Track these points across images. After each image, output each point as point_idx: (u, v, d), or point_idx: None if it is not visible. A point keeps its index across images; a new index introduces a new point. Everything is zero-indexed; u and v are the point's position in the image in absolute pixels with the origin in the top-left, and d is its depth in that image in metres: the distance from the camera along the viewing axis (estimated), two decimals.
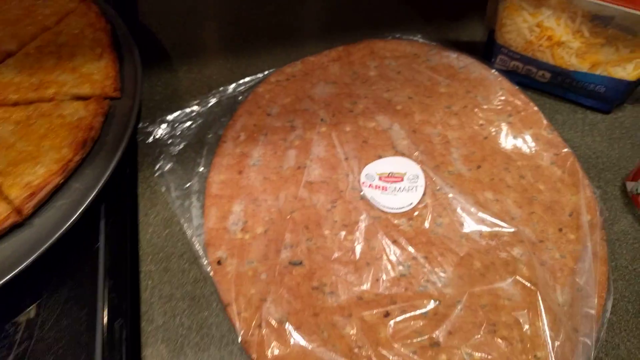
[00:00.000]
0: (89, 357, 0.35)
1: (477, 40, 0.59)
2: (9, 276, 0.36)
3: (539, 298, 0.38)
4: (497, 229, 0.42)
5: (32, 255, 0.37)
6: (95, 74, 0.49)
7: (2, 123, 0.46)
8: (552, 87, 0.54)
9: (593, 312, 0.38)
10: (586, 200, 0.44)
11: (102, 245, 0.41)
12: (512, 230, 0.42)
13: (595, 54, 0.49)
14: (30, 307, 0.39)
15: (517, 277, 0.39)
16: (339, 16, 0.63)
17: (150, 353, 0.37)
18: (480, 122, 0.50)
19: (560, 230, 0.43)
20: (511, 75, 0.54)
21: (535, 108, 0.51)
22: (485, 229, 0.42)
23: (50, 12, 0.56)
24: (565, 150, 0.48)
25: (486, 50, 0.56)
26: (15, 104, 0.48)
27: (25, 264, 0.37)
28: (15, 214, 0.40)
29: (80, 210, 0.40)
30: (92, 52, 0.51)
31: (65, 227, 0.39)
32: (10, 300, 0.39)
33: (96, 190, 0.41)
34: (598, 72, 0.50)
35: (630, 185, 0.46)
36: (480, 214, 0.43)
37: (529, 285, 0.39)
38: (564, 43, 0.49)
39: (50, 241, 0.38)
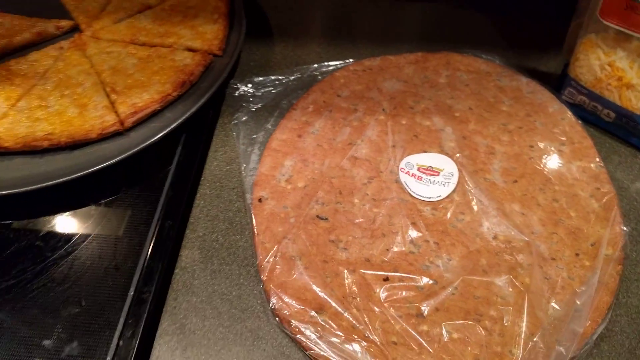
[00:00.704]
0: (142, 242, 0.44)
1: (552, 71, 0.61)
2: (101, 165, 0.47)
3: (526, 301, 0.40)
4: (512, 233, 0.45)
5: (121, 155, 0.47)
6: (208, 34, 0.59)
7: (129, 56, 0.57)
8: (616, 128, 0.54)
9: (580, 330, 0.39)
10: (612, 235, 0.45)
11: (174, 166, 0.50)
12: (525, 239, 0.44)
13: None
14: (111, 197, 0.49)
15: (512, 278, 0.41)
16: (427, 27, 0.68)
17: (186, 254, 0.45)
18: (531, 144, 0.52)
19: (577, 255, 0.44)
20: (577, 109, 0.56)
21: (591, 142, 0.52)
22: (500, 233, 0.45)
23: None
24: (609, 187, 0.49)
25: (559, 82, 0.58)
26: (143, 44, 0.60)
27: (114, 160, 0.47)
28: (119, 124, 0.51)
29: (165, 131, 0.49)
30: (210, 16, 0.62)
31: (151, 140, 0.49)
32: (99, 188, 0.49)
33: (181, 119, 0.50)
34: None
35: None
36: (502, 220, 0.46)
37: (521, 288, 0.41)
38: (633, 86, 0.50)
39: (137, 148, 0.48)
